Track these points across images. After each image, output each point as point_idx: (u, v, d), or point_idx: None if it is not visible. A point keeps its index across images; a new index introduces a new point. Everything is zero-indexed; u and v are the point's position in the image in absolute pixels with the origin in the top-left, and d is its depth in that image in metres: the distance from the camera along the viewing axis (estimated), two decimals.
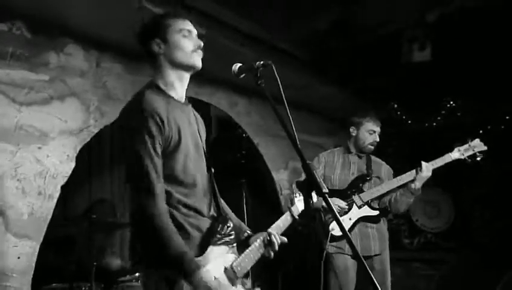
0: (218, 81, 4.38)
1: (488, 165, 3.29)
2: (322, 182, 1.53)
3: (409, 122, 5.87)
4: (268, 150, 4.96)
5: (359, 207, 3.14)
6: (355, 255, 1.46)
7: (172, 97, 1.78)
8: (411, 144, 5.92)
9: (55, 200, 3.09)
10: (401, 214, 3.52)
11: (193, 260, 1.59)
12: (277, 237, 1.91)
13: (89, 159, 3.61)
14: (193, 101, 1.92)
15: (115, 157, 3.85)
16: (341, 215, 3.10)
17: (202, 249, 1.69)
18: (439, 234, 5.65)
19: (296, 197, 2.22)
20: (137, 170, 1.59)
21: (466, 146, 3.04)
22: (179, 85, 1.81)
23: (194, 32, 1.83)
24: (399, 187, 3.12)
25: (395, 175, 3.30)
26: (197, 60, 1.78)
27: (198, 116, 1.97)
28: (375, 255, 3.13)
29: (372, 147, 3.26)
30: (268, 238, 1.90)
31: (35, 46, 3.09)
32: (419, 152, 5.78)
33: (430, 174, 2.99)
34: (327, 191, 1.50)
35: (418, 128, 5.93)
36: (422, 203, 5.62)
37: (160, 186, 1.60)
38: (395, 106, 5.69)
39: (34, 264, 2.93)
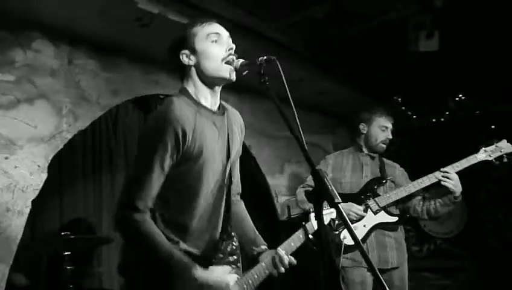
0: None
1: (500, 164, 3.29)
2: (334, 190, 1.50)
3: (414, 117, 5.88)
4: (262, 153, 4.91)
5: (375, 213, 3.07)
6: (370, 268, 1.39)
7: (203, 106, 1.79)
8: (416, 141, 5.95)
9: (25, 217, 3.03)
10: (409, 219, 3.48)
11: (182, 259, 1.66)
12: (285, 257, 1.90)
13: (61, 169, 3.50)
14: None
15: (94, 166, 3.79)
16: (354, 222, 3.04)
17: (203, 268, 1.73)
18: (451, 240, 5.64)
19: (311, 210, 2.10)
20: (134, 179, 1.69)
21: (493, 147, 3.03)
22: (209, 96, 1.82)
23: (225, 34, 1.82)
24: (422, 190, 3.06)
25: None
26: (227, 72, 1.76)
27: (237, 118, 1.97)
28: (393, 268, 3.06)
29: (385, 146, 3.25)
30: (277, 258, 1.90)
31: None
32: (424, 150, 5.77)
33: (457, 177, 2.92)
34: (340, 201, 1.49)
35: (423, 125, 5.95)
36: None
37: (144, 204, 1.66)
38: (399, 100, 5.67)
39: None
